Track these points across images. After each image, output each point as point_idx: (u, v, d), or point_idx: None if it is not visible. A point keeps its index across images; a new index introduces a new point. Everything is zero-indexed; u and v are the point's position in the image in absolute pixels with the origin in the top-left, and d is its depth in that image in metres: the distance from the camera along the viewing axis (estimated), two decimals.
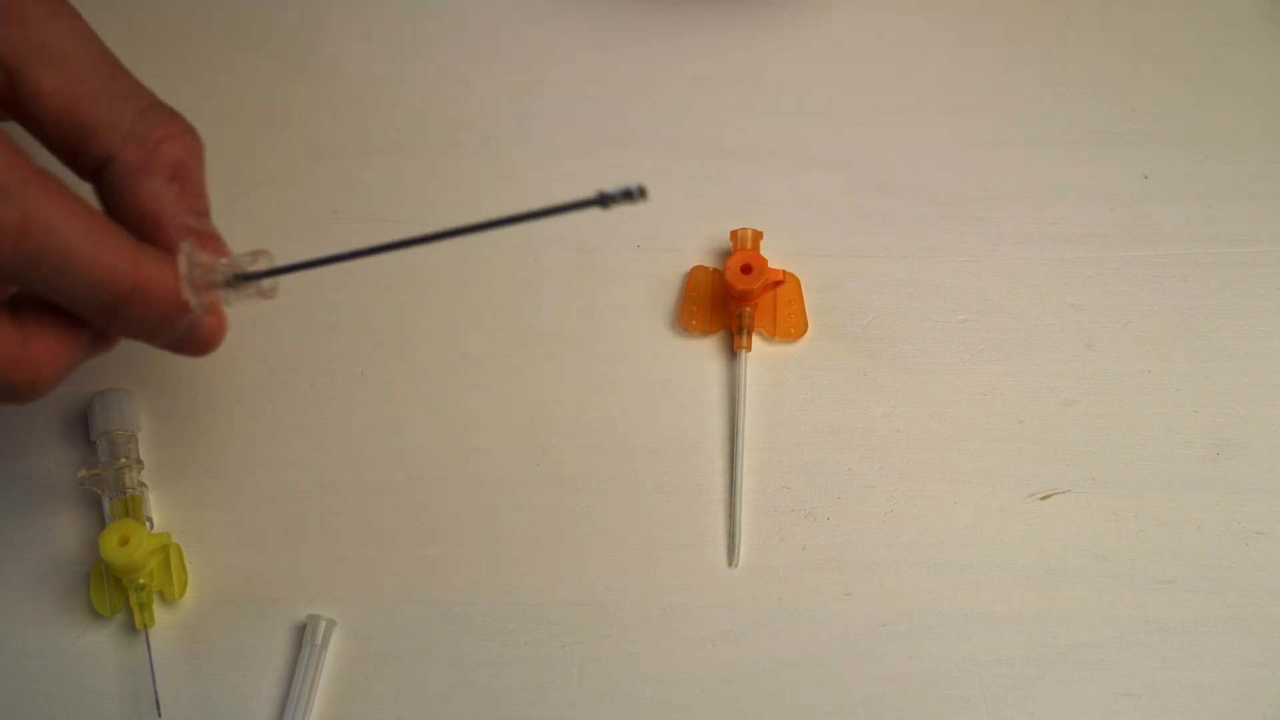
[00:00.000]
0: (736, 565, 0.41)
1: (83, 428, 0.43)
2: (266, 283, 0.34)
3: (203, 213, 0.35)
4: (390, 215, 0.46)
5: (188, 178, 0.34)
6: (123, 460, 0.41)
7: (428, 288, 0.45)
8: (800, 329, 0.44)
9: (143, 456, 0.42)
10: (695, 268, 0.45)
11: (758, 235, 0.44)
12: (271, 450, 0.42)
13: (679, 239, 0.45)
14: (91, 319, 0.33)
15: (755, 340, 0.44)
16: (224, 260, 0.34)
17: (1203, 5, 0.49)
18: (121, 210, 0.34)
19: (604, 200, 0.29)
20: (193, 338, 0.35)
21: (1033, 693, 0.39)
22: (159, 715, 0.39)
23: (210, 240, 0.35)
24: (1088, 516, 0.41)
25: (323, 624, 0.39)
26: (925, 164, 0.47)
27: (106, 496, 0.40)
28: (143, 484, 0.41)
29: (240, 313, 0.44)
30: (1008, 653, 0.39)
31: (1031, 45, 0.49)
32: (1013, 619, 0.40)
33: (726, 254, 0.45)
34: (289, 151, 0.47)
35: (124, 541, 0.38)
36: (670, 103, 0.48)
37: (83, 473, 0.41)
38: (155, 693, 0.39)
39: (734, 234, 0.44)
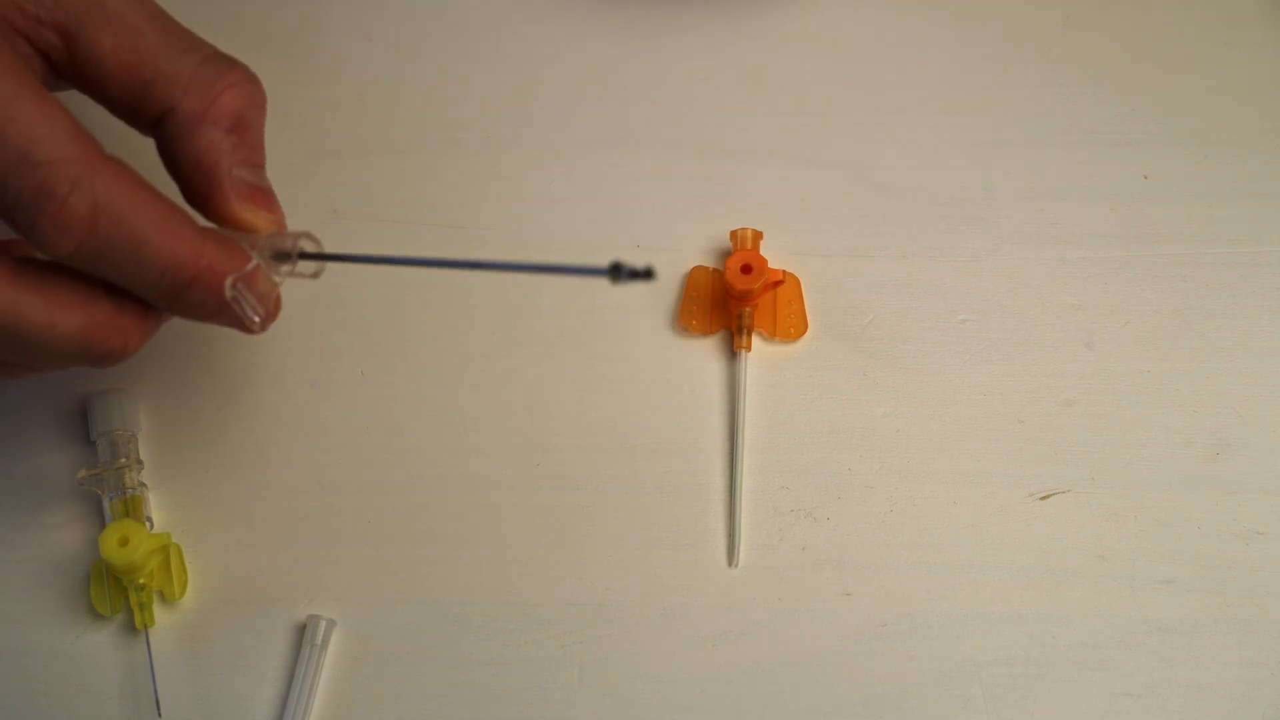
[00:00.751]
0: (736, 565, 0.41)
1: (83, 428, 0.43)
2: (305, 265, 0.35)
3: (258, 165, 0.36)
4: (390, 215, 0.46)
5: (246, 129, 0.35)
6: (123, 460, 0.41)
7: (428, 287, 0.45)
8: (800, 329, 0.44)
9: (143, 456, 0.42)
10: (695, 268, 0.45)
11: (758, 235, 0.44)
12: (271, 450, 0.42)
13: (679, 239, 0.45)
14: (154, 302, 0.33)
15: (755, 340, 0.44)
16: (269, 235, 0.35)
17: (1203, 5, 0.49)
18: (177, 160, 0.34)
19: (615, 272, 0.29)
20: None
21: (1033, 693, 0.39)
22: (159, 715, 0.39)
23: (262, 195, 0.35)
24: (1088, 516, 0.41)
25: (323, 624, 0.39)
26: (925, 164, 0.47)
27: (106, 496, 0.40)
28: (143, 484, 0.41)
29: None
30: (1008, 653, 0.39)
31: (1031, 45, 0.49)
32: (1013, 619, 0.40)
33: (726, 254, 0.45)
34: (289, 151, 0.47)
35: (124, 541, 0.38)
36: (670, 103, 0.48)
37: (83, 473, 0.41)
38: (155, 693, 0.39)
39: (734, 234, 0.44)
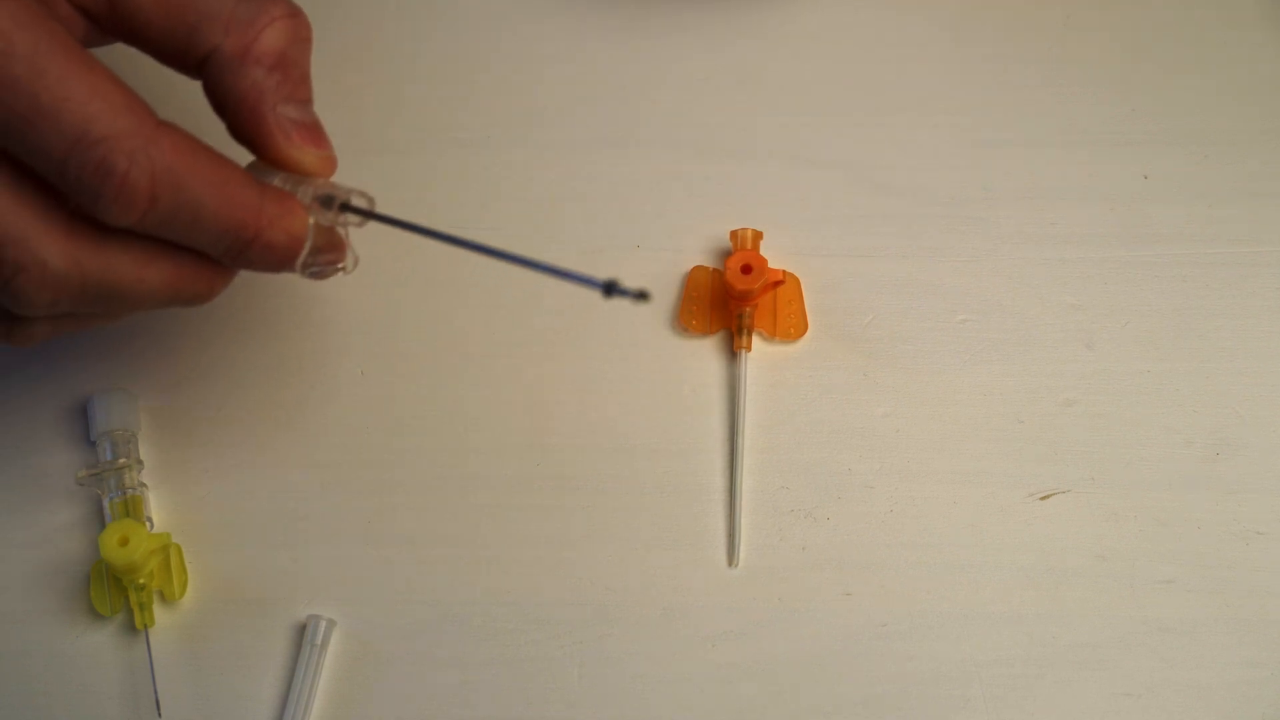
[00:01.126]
0: (736, 565, 0.41)
1: (83, 428, 0.43)
2: (352, 217, 0.35)
3: (304, 100, 0.36)
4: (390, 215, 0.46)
5: (289, 65, 0.35)
6: (122, 460, 0.41)
7: (428, 287, 0.45)
8: (800, 329, 0.44)
9: (143, 456, 0.42)
10: (695, 268, 0.45)
11: (758, 235, 0.44)
12: (271, 450, 0.42)
13: (679, 239, 0.45)
14: (220, 259, 0.35)
15: (755, 340, 0.44)
16: (323, 183, 0.35)
17: (1203, 5, 0.49)
18: (223, 101, 0.35)
19: (609, 289, 0.30)
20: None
21: (1033, 693, 0.39)
22: (159, 715, 0.39)
23: (308, 131, 0.36)
24: (1088, 516, 0.41)
25: (323, 624, 0.39)
26: (925, 164, 0.46)
27: (106, 496, 0.40)
28: (143, 484, 0.41)
29: (238, 311, 0.44)
30: (1008, 653, 0.39)
31: (1031, 45, 0.49)
32: (1013, 619, 0.40)
33: (726, 254, 0.45)
34: None
35: (124, 541, 0.38)
36: (670, 103, 0.48)
37: (82, 473, 0.41)
38: (155, 693, 0.39)
39: (734, 234, 0.44)
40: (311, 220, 0.35)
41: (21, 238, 0.32)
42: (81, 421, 0.43)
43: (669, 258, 0.45)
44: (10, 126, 0.30)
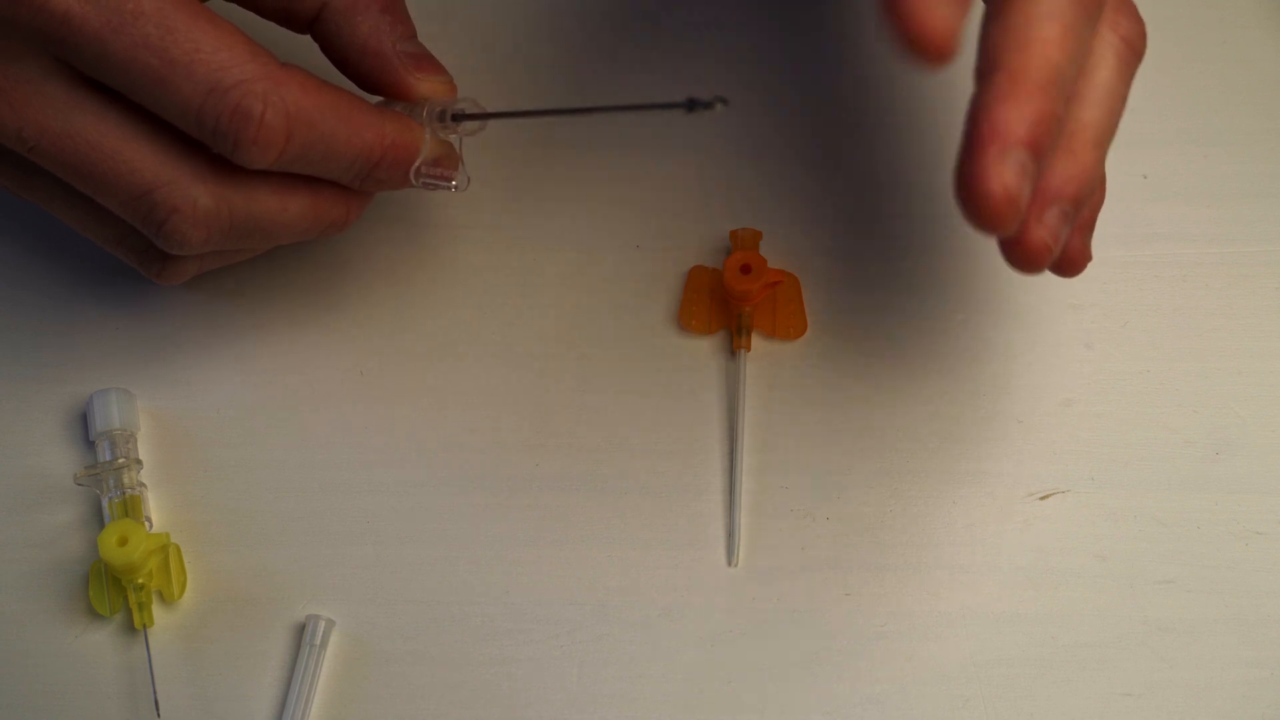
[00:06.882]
0: (736, 565, 0.41)
1: (82, 428, 0.43)
2: (468, 125, 0.38)
3: (413, 35, 0.39)
4: (390, 215, 0.46)
5: (395, 6, 0.38)
6: (121, 460, 0.41)
7: (428, 287, 0.45)
8: (799, 329, 0.44)
9: (142, 456, 0.42)
10: (695, 268, 0.45)
11: (757, 235, 0.44)
12: (271, 450, 0.42)
13: (679, 239, 0.45)
14: (347, 184, 0.37)
15: (755, 340, 0.43)
16: (431, 102, 0.38)
17: (1203, 5, 0.49)
18: (345, 51, 0.38)
19: (690, 105, 0.32)
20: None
21: (1032, 693, 0.39)
22: (158, 715, 0.39)
23: (428, 62, 0.38)
24: (1087, 516, 0.41)
25: (322, 624, 0.39)
26: (926, 164, 0.46)
27: (105, 496, 0.40)
28: (142, 484, 0.41)
29: (238, 311, 0.44)
30: (1008, 653, 0.39)
31: None
32: (1012, 619, 0.40)
33: (726, 254, 0.45)
34: None
35: (123, 541, 0.38)
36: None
37: (81, 472, 0.41)
38: (154, 692, 0.39)
39: (734, 234, 0.44)
40: (427, 134, 0.37)
41: (171, 181, 0.34)
42: (81, 421, 0.43)
43: (669, 258, 0.45)
44: (147, 83, 0.32)
